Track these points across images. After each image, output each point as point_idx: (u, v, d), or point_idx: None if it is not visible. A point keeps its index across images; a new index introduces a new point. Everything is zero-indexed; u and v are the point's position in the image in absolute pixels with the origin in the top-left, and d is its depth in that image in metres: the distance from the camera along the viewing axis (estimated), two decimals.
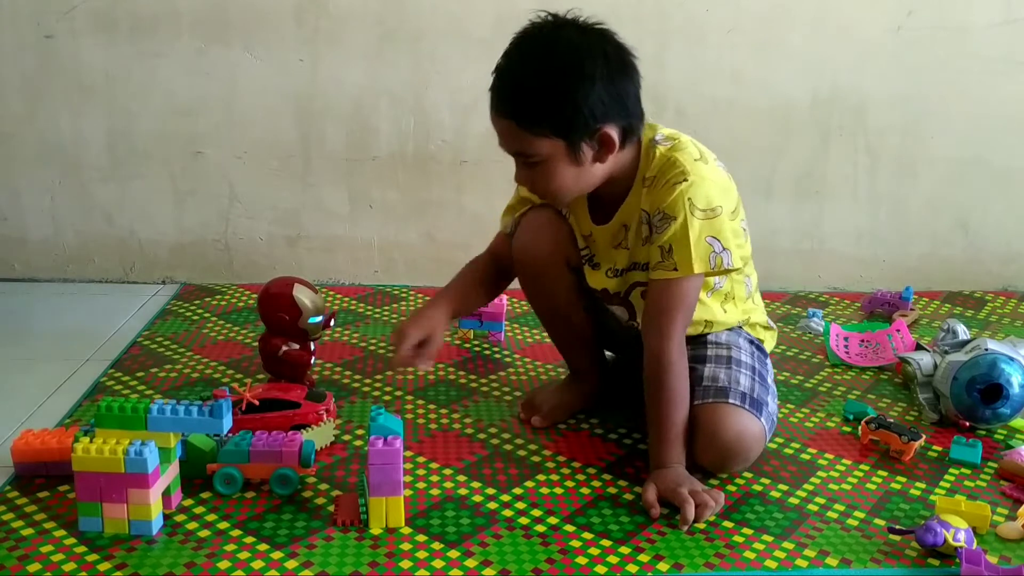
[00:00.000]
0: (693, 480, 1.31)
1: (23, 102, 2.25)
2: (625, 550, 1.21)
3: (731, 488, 1.37)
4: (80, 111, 2.26)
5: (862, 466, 1.46)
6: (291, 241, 2.38)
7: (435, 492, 1.35)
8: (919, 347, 1.85)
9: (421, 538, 1.23)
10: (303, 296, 1.64)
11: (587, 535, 1.24)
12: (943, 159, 2.40)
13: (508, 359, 1.89)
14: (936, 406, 1.64)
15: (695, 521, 1.25)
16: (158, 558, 1.17)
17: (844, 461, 1.47)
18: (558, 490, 1.36)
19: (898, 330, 1.95)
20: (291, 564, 1.16)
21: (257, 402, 1.47)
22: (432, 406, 1.65)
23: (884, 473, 1.44)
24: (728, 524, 1.28)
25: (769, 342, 1.57)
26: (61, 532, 1.21)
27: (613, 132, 1.31)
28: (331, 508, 1.29)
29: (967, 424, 1.58)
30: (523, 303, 2.19)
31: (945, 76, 2.34)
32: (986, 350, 1.58)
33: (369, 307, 2.21)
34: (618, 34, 1.33)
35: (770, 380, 1.48)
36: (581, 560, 1.19)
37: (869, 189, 2.42)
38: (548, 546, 1.22)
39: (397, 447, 1.22)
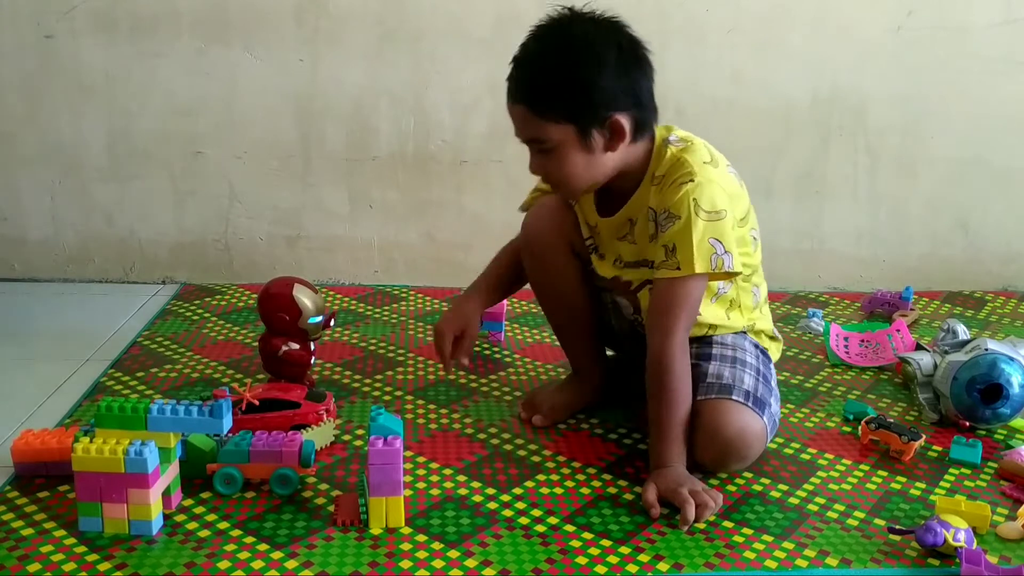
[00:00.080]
0: (694, 480, 1.31)
1: (23, 102, 2.25)
2: (625, 550, 1.21)
3: (731, 488, 1.37)
4: (80, 111, 2.26)
5: (862, 466, 1.46)
6: (291, 241, 2.38)
7: (435, 492, 1.35)
8: (919, 347, 1.85)
9: (421, 538, 1.23)
10: (303, 296, 1.64)
11: (587, 535, 1.24)
12: (943, 159, 2.40)
13: (508, 359, 1.89)
14: (936, 406, 1.64)
15: (695, 521, 1.25)
16: (158, 558, 1.17)
17: (844, 461, 1.47)
18: (558, 490, 1.36)
19: (898, 330, 1.95)
20: (291, 564, 1.16)
21: (257, 402, 1.47)
22: (432, 406, 1.65)
23: (884, 473, 1.44)
24: (728, 524, 1.28)
25: (774, 352, 1.57)
26: (61, 532, 1.21)
27: (624, 120, 1.33)
28: (331, 508, 1.29)
29: (967, 424, 1.58)
30: (523, 303, 2.20)
31: (945, 76, 2.34)
32: (986, 350, 1.58)
33: (369, 307, 2.21)
34: (633, 28, 1.36)
35: (773, 383, 1.48)
36: (581, 560, 1.19)
37: (869, 189, 2.42)
38: (548, 546, 1.22)
39: (397, 447, 1.22)
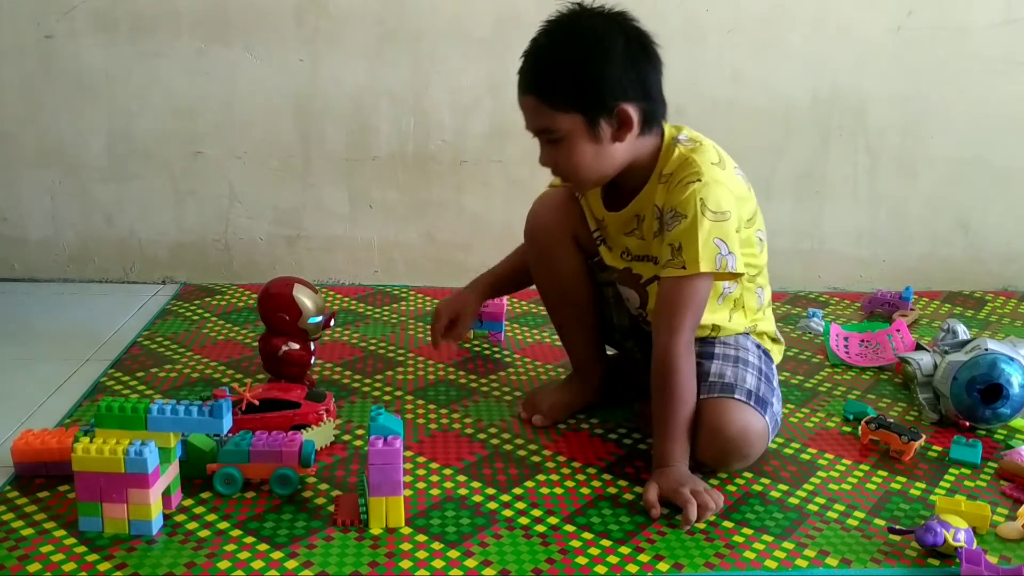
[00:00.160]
0: (696, 480, 1.31)
1: (23, 102, 2.25)
2: (625, 550, 1.21)
3: (731, 488, 1.37)
4: (80, 111, 2.26)
5: (862, 466, 1.46)
6: (291, 241, 2.38)
7: (435, 492, 1.35)
8: (919, 347, 1.85)
9: (421, 538, 1.23)
10: (303, 296, 1.64)
11: (587, 535, 1.24)
12: (943, 159, 2.40)
13: (508, 359, 1.89)
14: (936, 406, 1.64)
15: (696, 521, 1.25)
16: (158, 558, 1.17)
17: (844, 461, 1.47)
18: (558, 490, 1.36)
19: (898, 330, 1.95)
20: (291, 564, 1.16)
21: (257, 402, 1.47)
22: (432, 406, 1.65)
23: (884, 473, 1.44)
24: (728, 524, 1.28)
25: (776, 354, 1.57)
26: (61, 532, 1.21)
27: (631, 111, 1.34)
28: (331, 508, 1.29)
29: (967, 424, 1.58)
30: (523, 303, 2.20)
31: (945, 76, 2.34)
32: (986, 350, 1.58)
33: (369, 307, 2.21)
34: (640, 22, 1.37)
35: (775, 383, 1.48)
36: (581, 560, 1.19)
37: (869, 189, 2.42)
38: (548, 546, 1.22)
39: (397, 447, 1.22)
